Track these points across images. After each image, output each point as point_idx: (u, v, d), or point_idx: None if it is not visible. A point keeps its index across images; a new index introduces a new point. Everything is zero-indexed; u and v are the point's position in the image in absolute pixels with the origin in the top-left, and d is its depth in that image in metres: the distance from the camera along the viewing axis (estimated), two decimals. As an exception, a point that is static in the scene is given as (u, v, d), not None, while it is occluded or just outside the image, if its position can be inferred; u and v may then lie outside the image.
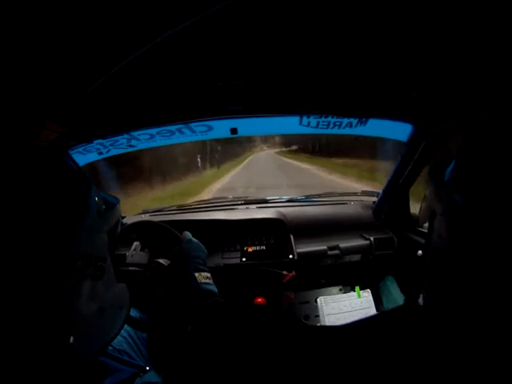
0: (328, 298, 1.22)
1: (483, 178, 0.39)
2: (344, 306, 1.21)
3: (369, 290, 1.23)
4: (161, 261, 1.19)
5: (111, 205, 0.64)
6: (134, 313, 1.20)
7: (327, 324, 1.15)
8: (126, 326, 1.11)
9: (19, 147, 0.53)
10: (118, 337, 1.04)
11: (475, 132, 0.48)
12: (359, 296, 1.23)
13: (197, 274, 0.82)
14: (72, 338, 0.48)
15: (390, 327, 0.44)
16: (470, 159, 0.43)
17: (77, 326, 0.50)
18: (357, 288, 1.23)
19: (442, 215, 0.46)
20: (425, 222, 0.59)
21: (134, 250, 1.36)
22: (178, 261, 0.94)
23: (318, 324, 1.16)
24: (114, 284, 0.59)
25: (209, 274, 0.86)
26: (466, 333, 0.38)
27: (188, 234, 1.04)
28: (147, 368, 0.67)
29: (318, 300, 1.20)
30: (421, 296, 0.55)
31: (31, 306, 0.44)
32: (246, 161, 20.45)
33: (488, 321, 0.36)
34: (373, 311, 1.17)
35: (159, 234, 1.23)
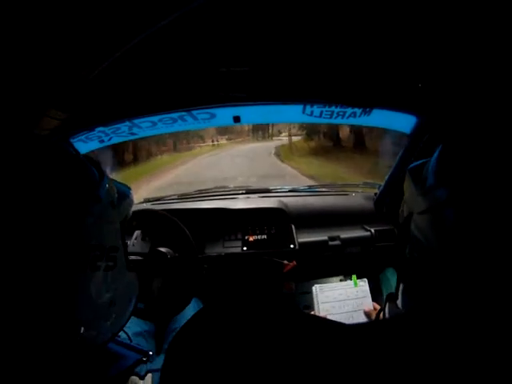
0: (324, 286, 1.22)
1: (469, 172, 0.37)
2: (339, 295, 1.21)
3: (365, 279, 1.24)
4: (162, 249, 1.20)
5: (124, 194, 0.63)
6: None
7: (321, 313, 1.16)
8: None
9: (23, 136, 0.52)
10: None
11: (458, 127, 0.48)
12: (356, 285, 1.24)
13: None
14: (82, 329, 0.48)
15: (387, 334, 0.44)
16: (454, 153, 0.42)
17: (87, 317, 0.50)
18: (353, 277, 1.23)
19: (422, 214, 0.45)
20: (402, 221, 0.59)
21: (136, 238, 1.38)
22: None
23: (312, 312, 1.16)
24: (124, 274, 0.58)
25: None
26: (457, 336, 0.38)
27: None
28: (150, 353, 0.67)
29: (313, 288, 1.20)
30: (399, 298, 0.56)
31: (41, 298, 0.43)
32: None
33: (480, 321, 0.35)
34: (368, 301, 1.18)
35: (161, 224, 1.24)
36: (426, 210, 0.44)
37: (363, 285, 1.24)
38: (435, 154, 0.46)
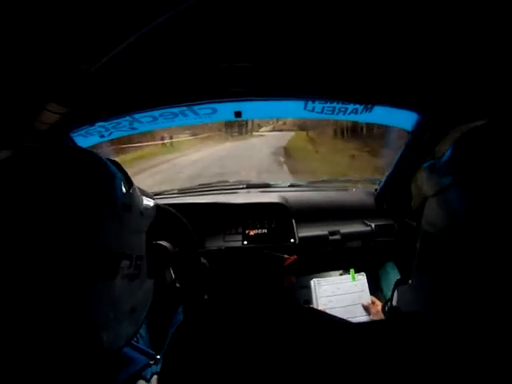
0: (322, 280, 1.23)
1: (475, 163, 0.39)
2: (337, 289, 1.22)
3: (363, 273, 1.24)
4: (162, 243, 1.20)
5: (150, 203, 0.63)
6: None
7: (319, 307, 1.16)
8: None
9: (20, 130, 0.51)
10: None
11: (475, 124, 0.48)
12: (354, 279, 1.24)
13: None
14: (105, 336, 0.48)
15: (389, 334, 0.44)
16: (465, 148, 0.43)
17: (109, 324, 0.49)
18: (351, 271, 1.24)
19: (432, 197, 0.47)
20: (417, 206, 0.60)
21: None
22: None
23: (310, 306, 1.17)
24: (146, 281, 0.58)
25: None
26: (463, 332, 0.38)
27: None
28: (158, 357, 0.67)
29: (312, 282, 1.21)
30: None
31: (62, 306, 0.42)
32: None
33: (487, 315, 0.36)
34: (366, 295, 1.19)
35: (161, 218, 1.24)
36: (436, 193, 0.45)
37: (361, 279, 1.25)
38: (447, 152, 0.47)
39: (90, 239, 0.43)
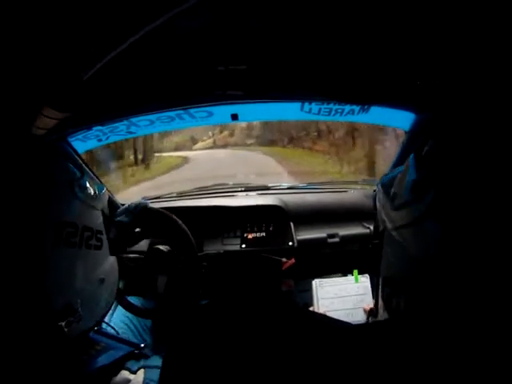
0: (324, 281, 1.21)
1: (447, 182, 0.37)
2: (339, 291, 1.19)
3: (367, 275, 1.22)
4: (160, 247, 1.20)
5: (101, 188, 0.70)
6: (136, 301, 1.21)
7: (320, 309, 1.14)
8: (127, 313, 1.12)
9: (16, 135, 0.55)
10: (120, 323, 1.05)
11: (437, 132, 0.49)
12: (357, 280, 1.21)
13: None
14: (79, 303, 0.54)
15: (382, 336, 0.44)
16: (429, 166, 0.42)
17: (83, 292, 0.56)
18: (355, 272, 1.21)
19: (402, 228, 0.45)
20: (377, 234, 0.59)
21: None
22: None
23: (310, 308, 1.15)
24: (108, 256, 0.65)
25: None
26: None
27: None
28: (142, 345, 0.69)
29: (313, 283, 1.19)
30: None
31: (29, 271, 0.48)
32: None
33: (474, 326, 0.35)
34: (368, 299, 1.17)
35: (160, 222, 1.24)
36: (406, 224, 0.44)
37: (365, 281, 1.22)
38: (408, 168, 0.47)
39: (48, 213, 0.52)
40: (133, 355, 0.64)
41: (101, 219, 0.62)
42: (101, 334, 0.67)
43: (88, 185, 0.60)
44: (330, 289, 1.20)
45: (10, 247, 0.46)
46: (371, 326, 0.48)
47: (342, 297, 1.18)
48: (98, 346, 0.62)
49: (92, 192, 0.61)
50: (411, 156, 0.48)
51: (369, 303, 1.16)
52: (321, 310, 1.13)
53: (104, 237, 0.62)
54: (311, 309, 1.13)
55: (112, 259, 0.66)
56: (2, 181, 0.47)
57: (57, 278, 0.51)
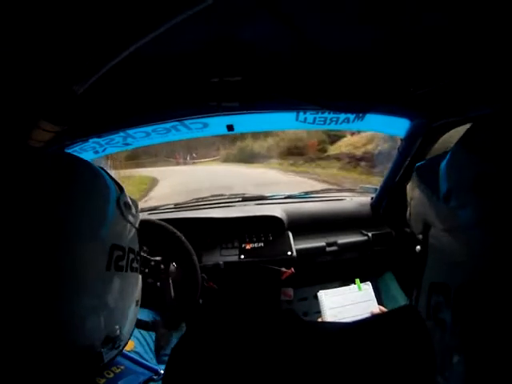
0: (329, 291, 1.21)
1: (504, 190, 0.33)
2: (345, 300, 1.19)
3: (369, 282, 1.22)
4: (158, 259, 1.19)
5: (136, 204, 0.67)
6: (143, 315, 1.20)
7: (328, 319, 1.14)
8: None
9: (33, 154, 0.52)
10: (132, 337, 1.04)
11: (483, 125, 0.42)
12: (360, 289, 1.22)
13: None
14: (120, 328, 0.51)
15: (391, 330, 0.43)
16: (481, 162, 0.37)
17: (124, 315, 0.53)
18: (357, 281, 1.21)
19: (450, 231, 0.40)
20: (419, 233, 0.51)
21: None
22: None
23: (319, 319, 1.15)
24: (139, 277, 0.62)
25: None
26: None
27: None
28: (161, 371, 0.66)
29: (319, 294, 1.19)
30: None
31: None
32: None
33: None
34: (374, 304, 1.17)
35: (158, 234, 1.23)
36: (454, 228, 0.40)
37: (367, 288, 1.22)
38: (459, 159, 0.42)
39: (100, 235, 0.47)
40: (151, 380, 0.62)
41: (137, 238, 0.59)
42: (122, 355, 0.64)
43: (129, 201, 0.56)
44: (335, 298, 1.20)
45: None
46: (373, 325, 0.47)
47: (349, 305, 1.18)
48: (118, 368, 0.59)
49: (134, 210, 0.57)
50: (455, 147, 0.42)
51: (375, 308, 1.16)
52: (330, 320, 1.13)
53: (139, 257, 0.59)
54: (319, 320, 1.12)
55: (140, 278, 0.63)
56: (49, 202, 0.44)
57: (103, 301, 0.48)
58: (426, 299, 0.47)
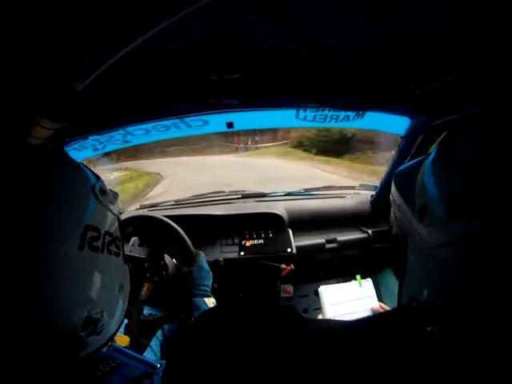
0: (330, 287, 1.21)
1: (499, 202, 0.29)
2: (346, 296, 1.19)
3: (369, 278, 1.23)
4: (158, 254, 1.20)
5: (115, 194, 0.68)
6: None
7: (329, 314, 1.14)
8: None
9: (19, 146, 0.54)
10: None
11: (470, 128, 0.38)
12: (360, 285, 1.22)
13: (206, 300, 1.04)
14: (100, 311, 0.52)
15: (391, 329, 0.43)
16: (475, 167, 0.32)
17: (104, 298, 0.53)
18: (358, 277, 1.22)
19: (421, 248, 0.39)
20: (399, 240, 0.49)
21: (133, 245, 1.37)
22: (187, 283, 1.11)
23: (320, 316, 1.15)
24: (124, 264, 0.63)
25: (214, 300, 1.07)
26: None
27: (201, 258, 1.18)
28: (158, 365, 0.67)
29: (320, 290, 1.19)
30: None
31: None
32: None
33: None
34: (374, 300, 1.17)
35: (158, 229, 1.24)
36: (427, 246, 0.38)
37: (368, 284, 1.23)
38: (428, 163, 0.40)
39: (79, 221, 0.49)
40: (148, 375, 0.63)
41: (117, 225, 0.60)
42: (116, 350, 0.65)
43: (107, 189, 0.59)
44: (336, 294, 1.20)
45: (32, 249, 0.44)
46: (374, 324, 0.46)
47: (349, 301, 1.18)
48: (113, 362, 0.60)
49: (111, 196, 0.59)
50: (433, 155, 0.39)
51: (375, 304, 1.17)
52: (330, 316, 1.13)
53: (121, 243, 0.61)
54: (320, 316, 1.12)
55: (126, 267, 0.65)
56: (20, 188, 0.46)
57: (80, 283, 0.49)
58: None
